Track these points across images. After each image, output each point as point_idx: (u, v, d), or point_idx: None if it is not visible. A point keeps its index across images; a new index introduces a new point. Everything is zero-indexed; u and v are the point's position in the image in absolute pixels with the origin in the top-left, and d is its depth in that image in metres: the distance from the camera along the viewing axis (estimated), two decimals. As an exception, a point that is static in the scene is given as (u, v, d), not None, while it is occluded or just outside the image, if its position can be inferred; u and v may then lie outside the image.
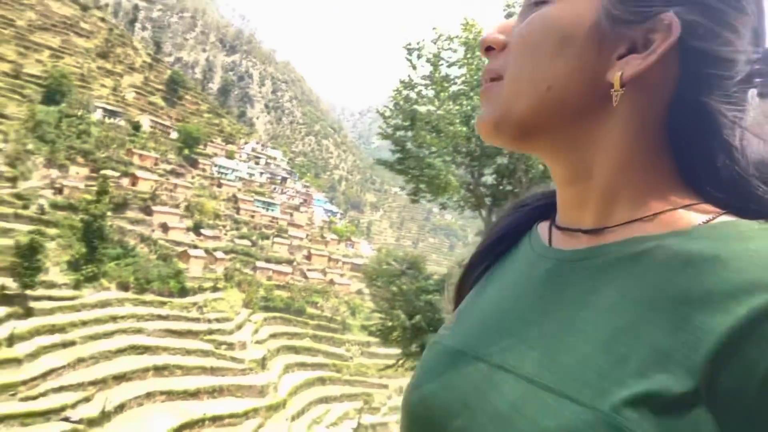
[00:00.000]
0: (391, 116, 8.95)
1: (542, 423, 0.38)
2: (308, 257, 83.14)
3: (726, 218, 0.44)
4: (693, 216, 0.45)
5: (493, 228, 0.64)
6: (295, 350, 65.62)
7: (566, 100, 0.48)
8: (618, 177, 0.48)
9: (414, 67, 9.07)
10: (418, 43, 8.64)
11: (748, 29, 0.46)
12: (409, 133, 8.69)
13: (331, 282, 79.42)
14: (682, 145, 0.48)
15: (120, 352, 48.86)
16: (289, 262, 78.96)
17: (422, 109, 8.51)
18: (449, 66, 8.80)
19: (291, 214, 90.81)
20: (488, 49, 0.53)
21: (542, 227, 0.57)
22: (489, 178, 8.71)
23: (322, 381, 63.96)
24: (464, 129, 7.74)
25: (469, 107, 7.93)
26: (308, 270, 79.69)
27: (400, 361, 8.81)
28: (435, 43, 8.62)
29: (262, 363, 58.49)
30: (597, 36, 0.47)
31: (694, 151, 0.48)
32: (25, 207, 57.50)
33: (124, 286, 58.09)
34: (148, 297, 58.24)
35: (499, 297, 0.53)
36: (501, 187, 8.73)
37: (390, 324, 8.10)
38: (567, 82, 0.48)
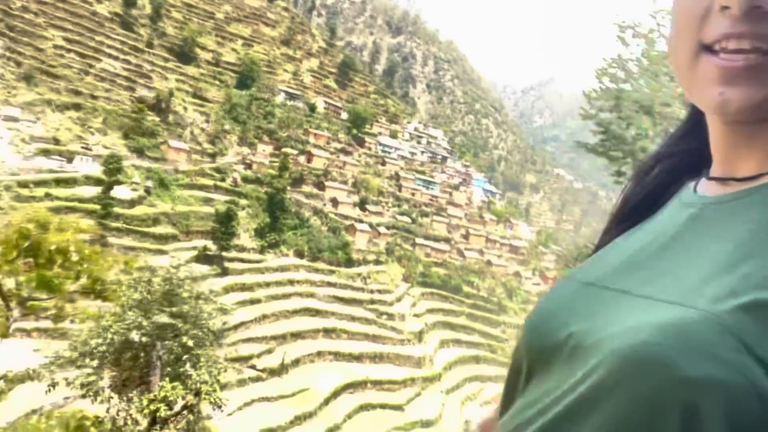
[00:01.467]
0: (597, 97, 8.80)
1: (647, 320, 0.40)
2: (466, 236, 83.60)
3: None
4: None
5: (637, 183, 0.64)
6: (450, 326, 66.97)
7: None
8: None
9: (626, 45, 8.77)
10: (633, 22, 8.33)
11: None
12: (614, 115, 8.46)
13: (488, 263, 79.12)
14: None
15: (296, 312, 54.30)
16: (447, 240, 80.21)
17: (629, 87, 8.24)
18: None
19: (450, 194, 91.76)
20: (755, 8, 0.44)
21: (692, 181, 0.56)
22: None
23: (476, 359, 64.53)
24: (682, 111, 7.40)
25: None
26: (465, 249, 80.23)
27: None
28: (654, 17, 8.22)
29: (419, 336, 60.75)
30: None
31: None
32: (222, 180, 66.05)
33: (299, 254, 64.12)
34: (320, 265, 63.58)
35: (640, 239, 0.54)
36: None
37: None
38: None
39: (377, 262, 67.91)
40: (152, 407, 7.39)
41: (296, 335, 51.58)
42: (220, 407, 9.20)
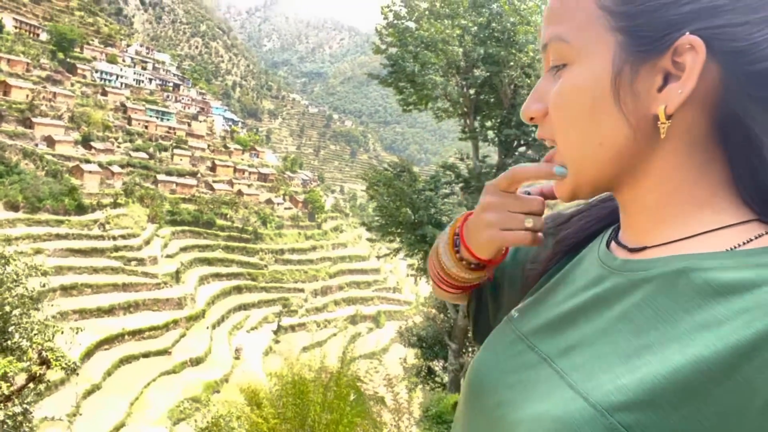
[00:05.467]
0: (387, 34, 9.60)
1: (552, 408, 0.44)
2: (212, 168, 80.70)
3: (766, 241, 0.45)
4: (734, 237, 0.46)
5: (570, 223, 0.68)
6: (208, 262, 65.58)
7: (620, 148, 0.49)
8: (667, 198, 0.50)
9: None
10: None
11: None
12: (401, 50, 9.44)
13: (239, 193, 78.41)
14: (733, 154, 0.48)
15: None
16: (193, 174, 76.34)
17: (413, 25, 9.28)
18: None
19: (189, 124, 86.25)
20: (531, 119, 0.55)
21: (609, 232, 0.60)
22: (471, 90, 9.90)
23: (238, 290, 65.12)
24: (460, 50, 8.73)
25: (461, 29, 8.87)
26: (214, 181, 77.74)
27: (399, 251, 10.21)
28: None
29: (176, 276, 58.18)
30: (627, 84, 0.47)
31: (745, 161, 0.47)
32: None
33: (13, 206, 53.67)
34: (43, 216, 54.51)
35: (562, 291, 0.58)
36: (482, 97, 9.97)
37: (391, 220, 9.37)
38: (615, 133, 0.49)
39: (115, 205, 61.26)
40: (-8, 386, 6.23)
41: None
42: (74, 371, 8.23)
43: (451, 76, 9.28)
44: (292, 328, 63.20)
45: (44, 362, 7.27)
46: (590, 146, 0.50)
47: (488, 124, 10.39)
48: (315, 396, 8.37)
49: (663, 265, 0.47)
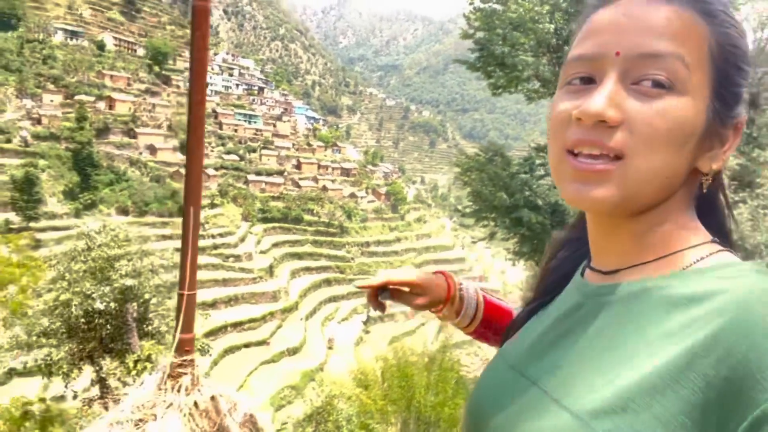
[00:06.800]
0: (475, 18, 9.60)
1: (542, 424, 0.51)
2: (298, 166, 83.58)
3: (719, 258, 0.55)
4: (690, 257, 0.55)
5: (544, 272, 0.76)
6: (298, 256, 68.15)
7: (673, 186, 0.55)
8: (654, 229, 0.57)
9: None
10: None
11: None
12: (489, 33, 9.39)
13: (324, 188, 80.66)
14: (699, 201, 0.60)
15: (135, 273, 50.50)
16: (280, 172, 79.47)
17: (500, 8, 9.21)
18: None
19: (274, 125, 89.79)
20: (601, 122, 0.53)
21: (581, 266, 0.68)
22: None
23: (328, 282, 67.18)
24: (551, 26, 8.59)
25: (550, 6, 8.72)
26: (300, 179, 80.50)
27: (493, 235, 10.26)
28: None
29: (270, 271, 61.03)
30: (708, 134, 0.54)
31: (707, 206, 0.61)
32: (8, 141, 56.18)
33: (123, 211, 58.69)
34: (150, 219, 59.11)
35: (545, 323, 0.66)
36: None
37: (485, 205, 9.42)
38: (679, 172, 0.54)
39: (212, 205, 65.14)
40: (140, 367, 7.10)
41: (141, 296, 48.38)
42: (208, 352, 9.18)
43: (542, 56, 9.15)
44: (381, 318, 64.31)
45: (182, 344, 8.00)
46: (661, 176, 0.53)
47: (582, 102, 9.98)
48: (419, 378, 8.63)
49: (629, 287, 0.55)
